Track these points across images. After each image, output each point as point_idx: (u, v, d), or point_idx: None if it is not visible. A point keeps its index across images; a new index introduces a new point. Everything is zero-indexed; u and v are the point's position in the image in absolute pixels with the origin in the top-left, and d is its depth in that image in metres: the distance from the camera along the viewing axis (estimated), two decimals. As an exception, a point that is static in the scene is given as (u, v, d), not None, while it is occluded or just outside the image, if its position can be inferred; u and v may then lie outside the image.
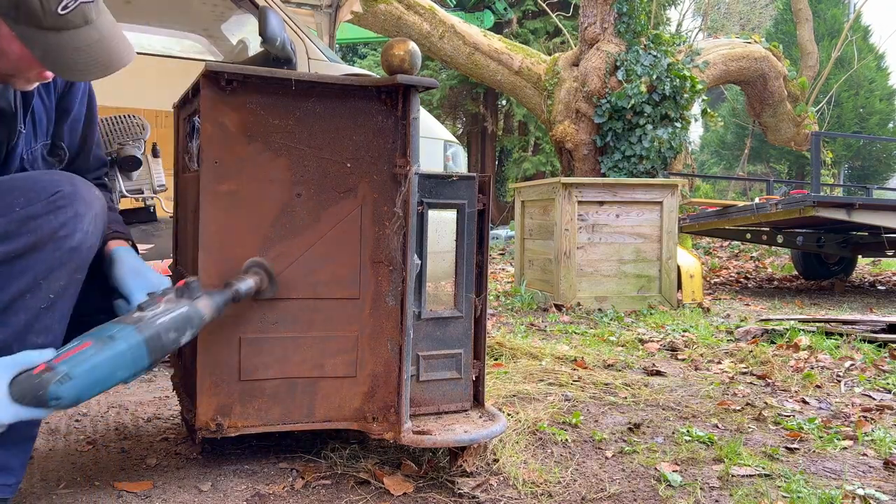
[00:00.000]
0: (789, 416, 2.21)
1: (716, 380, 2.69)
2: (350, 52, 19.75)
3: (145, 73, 3.28)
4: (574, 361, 2.90)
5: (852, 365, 2.90)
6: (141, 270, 1.40)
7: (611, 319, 4.25)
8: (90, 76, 1.21)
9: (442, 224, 2.03)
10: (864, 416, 2.22)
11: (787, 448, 1.92)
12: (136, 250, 1.48)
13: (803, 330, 3.46)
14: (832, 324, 3.54)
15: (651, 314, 4.46)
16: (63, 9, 1.14)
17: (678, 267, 4.84)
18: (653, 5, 9.43)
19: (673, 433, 2.02)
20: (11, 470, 1.27)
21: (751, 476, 1.69)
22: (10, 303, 1.15)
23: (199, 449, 1.74)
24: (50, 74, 1.27)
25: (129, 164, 2.56)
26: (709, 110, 9.03)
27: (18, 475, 1.29)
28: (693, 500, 1.55)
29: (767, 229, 6.26)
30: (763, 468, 1.74)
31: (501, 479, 1.62)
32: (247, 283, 1.39)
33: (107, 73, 1.22)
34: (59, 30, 1.15)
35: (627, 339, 3.49)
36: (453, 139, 4.22)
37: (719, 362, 3.03)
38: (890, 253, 6.13)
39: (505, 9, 15.34)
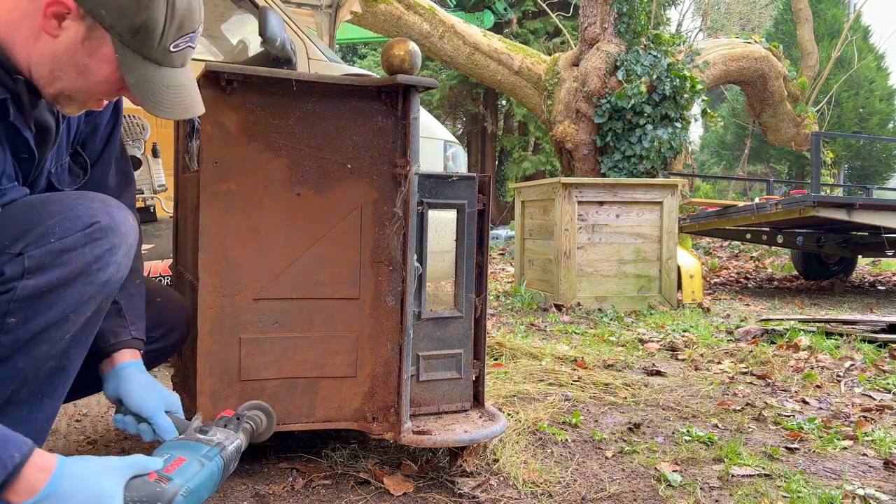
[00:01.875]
0: (789, 416, 2.21)
1: (716, 380, 2.69)
2: (350, 52, 19.75)
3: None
4: (574, 361, 2.90)
5: (852, 365, 2.90)
6: (160, 393, 1.34)
7: (611, 319, 4.25)
8: (171, 115, 1.21)
9: (442, 224, 2.02)
10: (864, 416, 2.22)
11: (787, 448, 1.92)
12: (142, 358, 1.39)
13: (803, 330, 3.46)
14: (832, 324, 3.54)
15: (651, 314, 4.46)
16: (175, 46, 1.16)
17: (678, 267, 4.84)
18: (653, 5, 9.43)
19: (673, 433, 2.02)
20: None
21: (751, 476, 1.69)
22: (35, 334, 1.11)
23: (199, 449, 1.73)
24: (104, 103, 1.25)
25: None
26: (709, 110, 9.02)
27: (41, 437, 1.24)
28: (693, 500, 1.55)
29: (767, 229, 6.26)
30: (763, 468, 1.74)
31: (501, 479, 1.62)
32: (258, 422, 1.37)
33: (184, 116, 1.23)
34: (161, 65, 1.16)
35: (627, 340, 3.49)
36: (453, 139, 4.22)
37: (719, 362, 3.03)
38: (890, 253, 6.13)
39: (505, 9, 15.35)
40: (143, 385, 1.33)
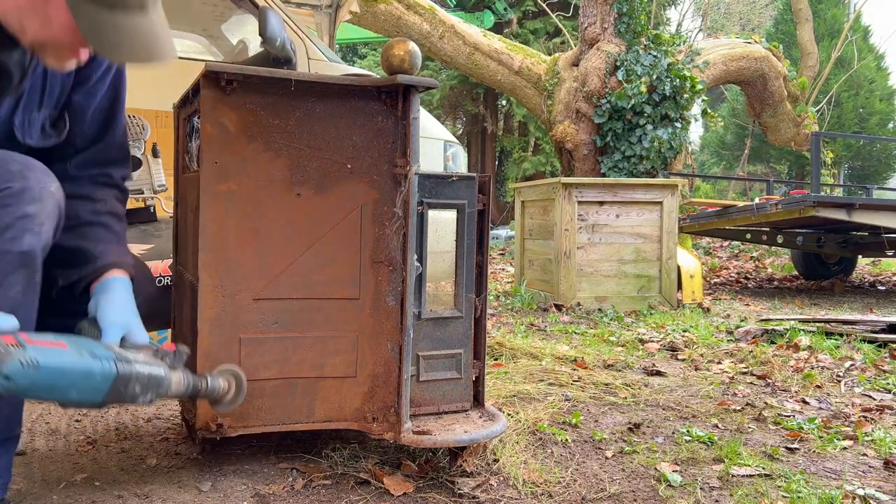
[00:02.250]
0: (789, 416, 2.21)
1: (716, 380, 2.69)
2: (350, 52, 19.75)
3: (145, 73, 3.28)
4: (574, 361, 2.90)
5: (852, 365, 2.90)
6: (129, 311, 1.30)
7: (611, 319, 4.25)
8: (129, 59, 1.16)
9: (442, 224, 2.02)
10: (864, 416, 2.22)
11: (787, 448, 1.92)
12: (132, 288, 1.37)
13: (803, 330, 3.46)
14: (832, 324, 3.54)
15: (651, 314, 4.46)
16: None
17: (678, 267, 4.84)
18: (653, 5, 9.43)
19: (673, 433, 2.02)
20: None
21: (751, 476, 1.69)
22: None
23: (199, 449, 1.74)
24: (84, 57, 1.21)
25: (130, 165, 2.55)
26: (709, 110, 9.02)
27: (5, 476, 1.24)
28: (693, 500, 1.55)
29: (767, 229, 6.26)
30: (763, 468, 1.74)
31: (501, 479, 1.62)
32: (215, 384, 1.33)
33: (147, 61, 1.17)
34: (113, 7, 1.12)
35: (627, 340, 3.49)
36: (453, 139, 4.22)
37: (719, 362, 3.03)
38: (890, 253, 6.13)
39: (505, 9, 15.34)
40: (122, 302, 1.28)
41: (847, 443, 1.97)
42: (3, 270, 1.09)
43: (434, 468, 1.64)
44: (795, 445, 1.94)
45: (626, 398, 2.40)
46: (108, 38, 1.13)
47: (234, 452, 1.73)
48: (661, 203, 4.73)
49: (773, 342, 3.37)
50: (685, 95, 7.56)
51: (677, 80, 7.46)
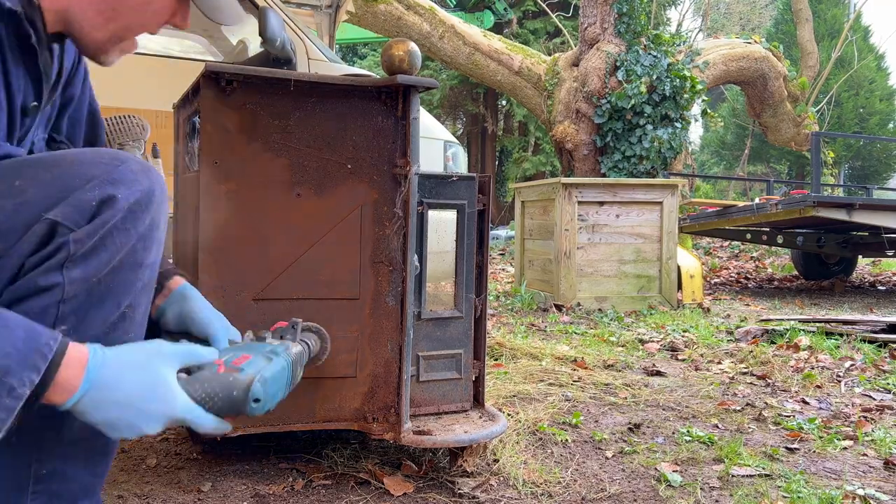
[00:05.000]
0: (789, 417, 2.21)
1: (716, 380, 2.69)
2: (350, 52, 19.75)
3: (145, 73, 3.28)
4: (574, 362, 2.90)
5: (852, 365, 2.90)
6: (219, 314, 1.20)
7: (611, 320, 4.25)
8: (231, 19, 1.12)
9: (442, 224, 2.03)
10: (865, 417, 2.22)
11: (787, 448, 1.91)
12: None
13: (803, 330, 3.46)
14: (832, 324, 3.54)
15: (651, 314, 4.46)
16: None
17: (678, 267, 4.84)
18: (653, 5, 9.43)
19: (673, 433, 2.02)
20: (94, 494, 1.01)
21: (751, 476, 1.69)
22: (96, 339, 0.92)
23: (199, 449, 1.74)
24: (136, 42, 1.12)
25: (130, 165, 2.55)
26: (709, 110, 9.03)
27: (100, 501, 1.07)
28: (693, 501, 1.55)
29: (767, 229, 6.26)
30: (763, 468, 1.74)
31: (501, 479, 1.62)
32: (315, 347, 1.28)
33: (239, 20, 1.14)
34: None
35: (627, 340, 3.49)
36: (453, 139, 4.22)
37: (719, 362, 3.03)
38: (890, 253, 6.12)
39: (505, 9, 15.35)
40: (208, 306, 1.19)
41: (847, 443, 1.97)
42: (138, 287, 0.97)
43: (434, 468, 1.64)
44: (795, 445, 1.94)
45: (626, 398, 2.40)
46: (216, 2, 1.09)
47: (233, 453, 1.73)
48: (661, 203, 4.73)
49: (773, 342, 3.37)
50: (685, 95, 7.56)
51: (677, 81, 7.46)
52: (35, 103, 1.04)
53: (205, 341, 1.13)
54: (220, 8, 1.10)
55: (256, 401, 0.94)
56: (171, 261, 1.24)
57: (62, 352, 0.82)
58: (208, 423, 0.92)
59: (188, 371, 0.94)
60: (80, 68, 1.26)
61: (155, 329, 1.17)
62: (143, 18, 1.05)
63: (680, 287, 4.91)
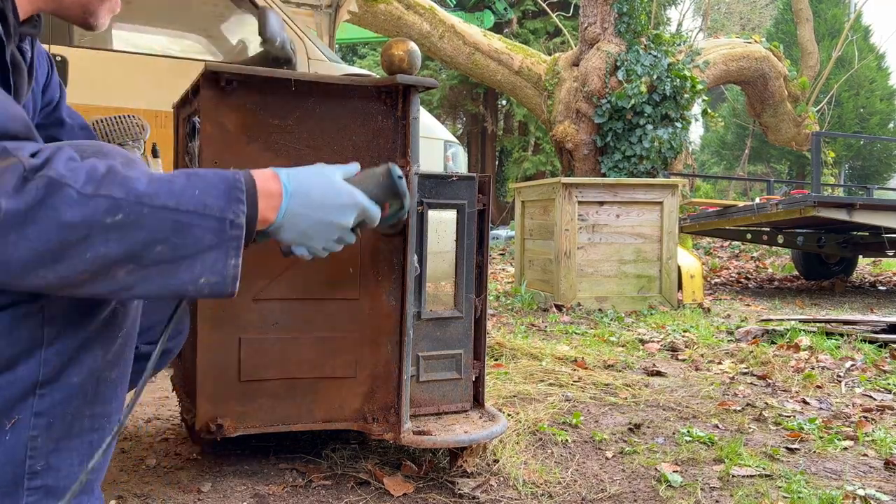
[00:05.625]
0: (790, 417, 2.20)
1: (716, 380, 2.69)
2: (350, 52, 19.75)
3: (145, 73, 3.28)
4: (574, 362, 2.90)
5: (853, 365, 2.90)
6: None
7: (611, 320, 4.24)
8: None
9: (442, 224, 2.02)
10: (865, 417, 2.22)
11: (787, 448, 1.91)
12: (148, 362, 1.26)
13: (804, 330, 3.46)
14: (833, 324, 3.53)
15: (651, 314, 4.46)
16: None
17: (678, 267, 4.84)
18: (653, 5, 9.42)
19: (673, 433, 2.02)
20: (92, 492, 1.01)
21: (751, 476, 1.69)
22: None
23: (199, 449, 1.74)
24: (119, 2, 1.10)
25: (129, 165, 2.55)
26: (709, 111, 9.02)
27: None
28: (693, 501, 1.55)
29: (768, 229, 6.26)
30: (763, 468, 1.74)
31: (501, 479, 1.62)
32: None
33: None
34: None
35: (628, 340, 3.49)
36: (453, 139, 4.22)
37: (720, 363, 3.02)
38: (890, 253, 6.12)
39: (505, 9, 15.35)
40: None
41: (847, 443, 1.96)
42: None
43: (434, 469, 1.64)
44: (796, 446, 1.94)
45: (626, 398, 2.39)
46: None
47: (233, 453, 1.73)
48: (661, 203, 4.73)
49: (773, 342, 3.37)
50: (685, 95, 7.56)
51: (677, 80, 7.46)
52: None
53: None
54: None
55: (399, 177, 1.12)
56: None
57: (250, 180, 0.92)
58: (377, 211, 1.09)
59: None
60: (53, 83, 1.26)
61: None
62: None
63: (680, 287, 4.91)
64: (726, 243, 9.73)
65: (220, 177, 0.90)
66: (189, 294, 0.90)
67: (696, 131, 22.63)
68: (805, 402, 2.39)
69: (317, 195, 0.99)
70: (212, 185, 0.88)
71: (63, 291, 0.82)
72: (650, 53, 7.54)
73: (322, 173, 1.03)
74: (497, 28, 15.03)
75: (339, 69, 3.52)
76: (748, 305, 5.14)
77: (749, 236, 6.49)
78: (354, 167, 1.11)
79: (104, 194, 0.80)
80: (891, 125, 17.30)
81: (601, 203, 4.67)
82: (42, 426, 0.90)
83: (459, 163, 4.22)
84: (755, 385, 2.64)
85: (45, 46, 2.05)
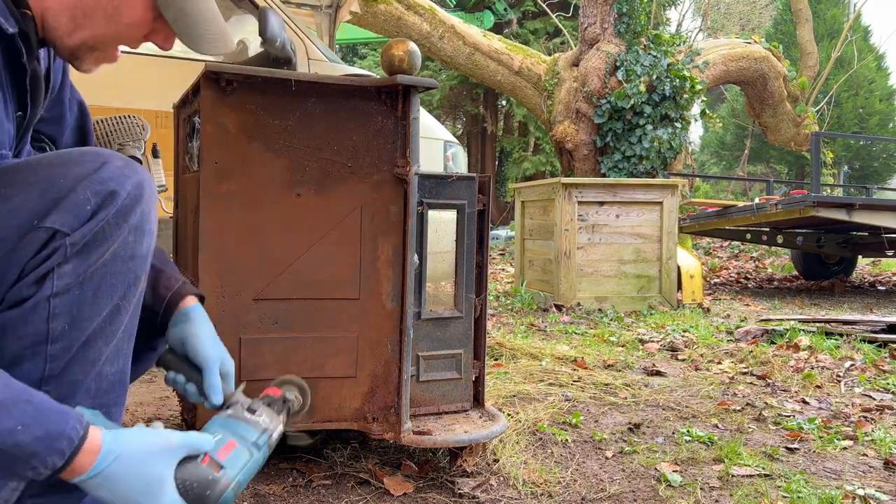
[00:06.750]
0: (789, 417, 2.21)
1: (716, 380, 2.69)
2: (350, 52, 19.75)
3: (145, 73, 3.28)
4: (574, 362, 2.90)
5: (852, 365, 2.90)
6: (217, 340, 1.17)
7: (611, 320, 4.25)
8: (213, 50, 1.08)
9: (442, 224, 2.03)
10: (865, 417, 2.22)
11: (787, 448, 1.92)
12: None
13: (803, 330, 3.46)
14: (832, 324, 3.54)
15: (651, 314, 4.46)
16: None
17: (678, 267, 4.84)
18: (653, 5, 9.43)
19: (673, 433, 2.02)
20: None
21: (751, 476, 1.69)
22: (89, 337, 0.94)
23: (199, 449, 1.73)
24: (118, 55, 1.10)
25: (129, 165, 2.55)
26: (708, 111, 9.02)
27: None
28: (693, 500, 1.55)
29: (767, 229, 6.26)
30: (763, 468, 1.74)
31: (501, 479, 1.62)
32: (297, 405, 1.23)
33: (224, 50, 1.10)
34: None
35: (627, 340, 3.49)
36: (453, 139, 4.22)
37: (719, 362, 3.03)
38: (890, 253, 6.13)
39: (505, 9, 15.34)
40: (209, 333, 1.17)
41: (847, 443, 1.97)
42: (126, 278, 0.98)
43: (434, 468, 1.64)
44: (795, 445, 1.94)
45: (626, 398, 2.40)
46: (196, 27, 1.05)
47: (234, 452, 1.72)
48: (661, 203, 4.73)
49: (773, 342, 3.37)
50: (685, 95, 7.56)
51: (677, 81, 7.46)
52: (20, 113, 1.04)
53: (198, 369, 1.13)
54: (201, 37, 1.06)
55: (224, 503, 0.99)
56: (184, 280, 1.20)
57: (84, 437, 0.85)
58: None
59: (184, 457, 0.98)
60: (65, 92, 1.25)
61: (151, 330, 1.15)
62: (116, 30, 1.03)
63: (680, 287, 4.91)
64: (726, 243, 9.73)
65: (58, 420, 0.84)
66: None
67: (695, 131, 22.63)
68: (804, 402, 2.39)
69: (122, 486, 0.89)
70: (41, 426, 0.83)
71: None
72: (650, 54, 7.54)
73: (149, 462, 0.92)
74: (497, 28, 15.02)
75: (339, 69, 3.52)
76: (748, 305, 5.14)
77: (748, 236, 6.50)
78: (207, 443, 0.99)
79: None
80: (890, 125, 17.30)
81: (601, 203, 4.68)
82: None
83: (459, 163, 4.22)
84: (755, 385, 2.64)
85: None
